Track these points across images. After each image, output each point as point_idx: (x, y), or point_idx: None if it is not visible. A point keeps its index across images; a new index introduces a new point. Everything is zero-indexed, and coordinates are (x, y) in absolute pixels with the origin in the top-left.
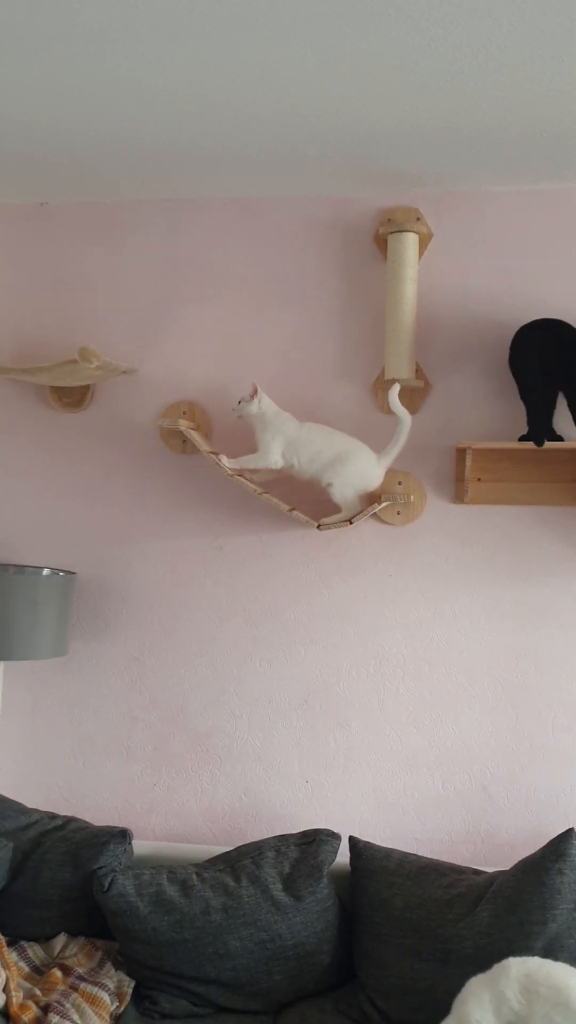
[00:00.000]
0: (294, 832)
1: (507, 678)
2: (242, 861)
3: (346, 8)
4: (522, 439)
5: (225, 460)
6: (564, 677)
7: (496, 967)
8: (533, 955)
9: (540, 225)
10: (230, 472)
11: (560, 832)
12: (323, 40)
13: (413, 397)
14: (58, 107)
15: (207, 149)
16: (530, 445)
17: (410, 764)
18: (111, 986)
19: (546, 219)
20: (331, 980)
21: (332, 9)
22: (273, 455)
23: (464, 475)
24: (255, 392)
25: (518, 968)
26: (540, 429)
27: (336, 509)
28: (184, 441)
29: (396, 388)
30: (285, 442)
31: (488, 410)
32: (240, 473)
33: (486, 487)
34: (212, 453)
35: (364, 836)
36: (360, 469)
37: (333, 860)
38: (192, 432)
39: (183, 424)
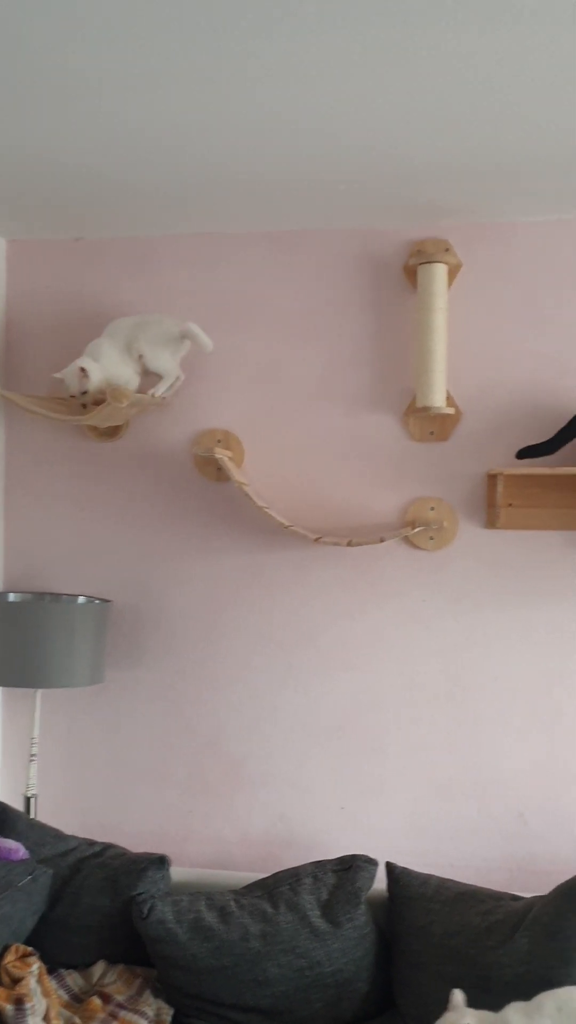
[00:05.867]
0: (330, 858)
1: (541, 703)
2: (279, 888)
3: (380, 48)
4: (535, 447)
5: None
6: None
7: (535, 1000)
8: (573, 983)
9: (569, 254)
10: (260, 505)
11: None
12: (358, 78)
13: (445, 424)
14: (92, 147)
15: (241, 185)
16: (564, 470)
17: (445, 790)
18: (150, 1014)
19: (575, 248)
20: (370, 1008)
21: (367, 48)
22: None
23: (496, 501)
24: (82, 372)
25: (552, 1001)
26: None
27: None
28: (218, 469)
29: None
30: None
31: (519, 437)
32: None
33: (518, 512)
34: (242, 484)
35: (399, 862)
36: (163, 329)
37: (371, 886)
38: (227, 461)
39: (219, 452)
